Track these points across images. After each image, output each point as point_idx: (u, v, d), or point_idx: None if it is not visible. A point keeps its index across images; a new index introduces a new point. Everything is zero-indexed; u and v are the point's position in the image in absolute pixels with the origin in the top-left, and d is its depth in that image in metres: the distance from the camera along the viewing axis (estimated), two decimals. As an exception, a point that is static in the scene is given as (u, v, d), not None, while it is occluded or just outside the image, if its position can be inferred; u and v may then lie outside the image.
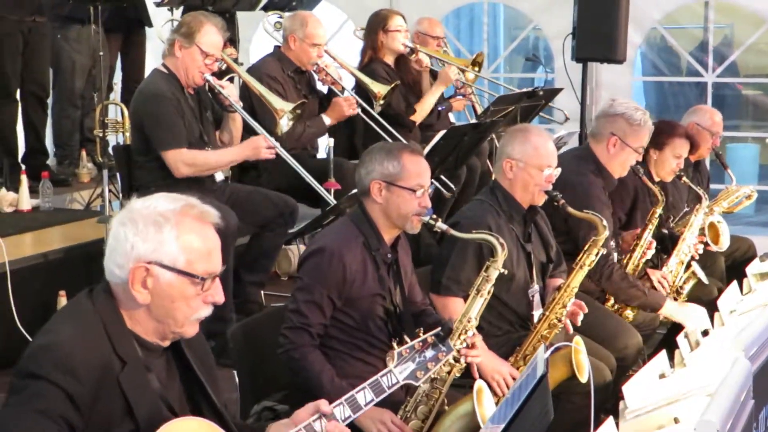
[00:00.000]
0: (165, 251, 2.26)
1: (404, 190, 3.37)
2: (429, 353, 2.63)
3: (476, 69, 6.33)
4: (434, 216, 3.44)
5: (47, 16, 6.23)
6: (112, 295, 2.31)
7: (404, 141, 5.55)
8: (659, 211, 4.67)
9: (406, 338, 2.73)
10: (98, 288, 2.34)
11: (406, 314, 3.46)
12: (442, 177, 5.36)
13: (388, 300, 3.41)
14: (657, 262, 5.08)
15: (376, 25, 6.12)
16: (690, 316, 4.45)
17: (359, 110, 5.63)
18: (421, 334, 2.67)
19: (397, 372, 2.58)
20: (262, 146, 4.74)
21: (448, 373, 3.25)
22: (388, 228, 3.44)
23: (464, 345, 3.30)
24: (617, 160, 4.55)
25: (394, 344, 2.68)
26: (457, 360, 3.26)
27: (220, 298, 2.35)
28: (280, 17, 6.00)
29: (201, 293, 2.31)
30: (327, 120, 5.61)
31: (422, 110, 6.07)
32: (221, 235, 4.52)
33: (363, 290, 3.35)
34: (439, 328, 2.67)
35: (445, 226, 3.43)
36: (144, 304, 2.28)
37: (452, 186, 5.47)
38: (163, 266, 2.26)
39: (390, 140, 5.50)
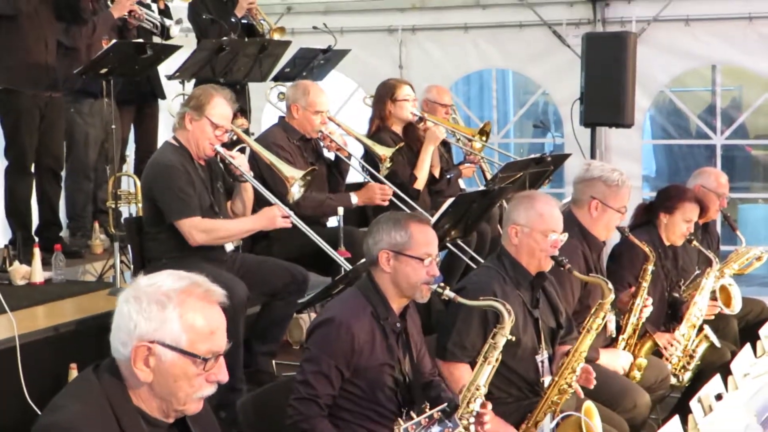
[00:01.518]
0: (167, 330, 2.26)
1: (412, 259, 3.40)
2: (435, 429, 2.61)
3: (484, 138, 6.37)
4: (442, 284, 3.44)
5: (62, 90, 6.32)
6: (118, 371, 2.31)
7: (414, 205, 5.58)
8: (651, 267, 4.67)
9: (413, 414, 2.72)
10: (104, 365, 2.34)
11: (416, 383, 3.45)
12: (458, 242, 5.37)
13: (397, 369, 3.41)
14: (669, 327, 5.06)
15: (385, 95, 6.20)
16: (616, 359, 4.46)
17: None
18: (427, 410, 2.66)
19: None
20: (278, 215, 4.77)
21: None
22: (396, 297, 3.45)
23: (473, 414, 3.25)
24: (601, 222, 4.58)
25: (400, 420, 2.66)
26: (466, 429, 3.23)
27: (223, 377, 2.34)
28: (283, 88, 6.08)
29: (203, 373, 2.30)
30: (354, 199, 5.67)
31: (421, 175, 6.10)
32: (230, 306, 4.52)
33: (371, 360, 3.35)
34: (446, 404, 2.66)
35: (452, 294, 3.43)
36: (146, 382, 2.28)
37: (469, 250, 5.48)
38: (165, 345, 2.26)
39: (400, 204, 5.54)
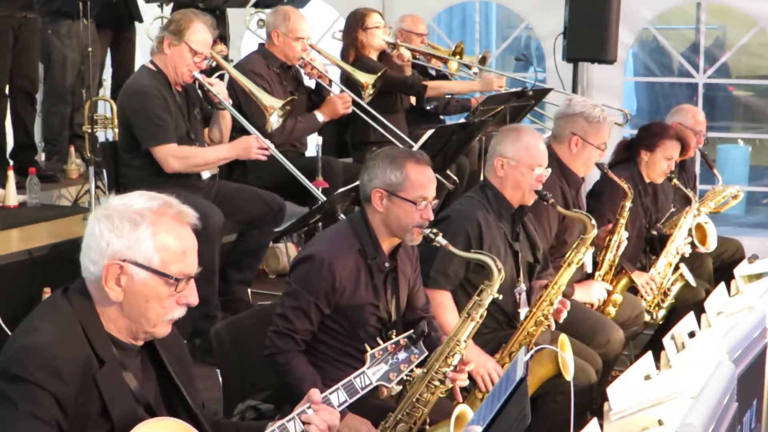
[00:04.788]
0: (140, 250, 2.24)
1: (405, 201, 3.28)
2: (402, 355, 2.62)
3: (458, 58, 6.35)
4: (435, 230, 3.33)
5: (38, 11, 6.20)
6: (88, 293, 2.29)
7: (395, 130, 5.53)
8: (629, 204, 4.67)
9: (379, 340, 2.71)
10: (73, 287, 2.32)
11: (399, 323, 3.42)
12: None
13: (381, 308, 3.36)
14: (645, 263, 5.08)
15: (355, 24, 6.15)
16: (590, 291, 4.50)
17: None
18: (393, 337, 2.65)
19: (370, 373, 2.57)
20: (254, 146, 4.71)
21: (432, 393, 3.18)
22: (387, 237, 3.36)
23: (451, 368, 3.19)
24: (580, 159, 4.56)
25: (368, 346, 2.65)
26: (442, 382, 3.19)
27: (194, 299, 2.32)
28: (263, 15, 5.99)
29: (175, 294, 2.28)
30: (320, 117, 5.61)
31: (442, 87, 6.11)
32: (206, 233, 4.51)
33: (354, 299, 3.30)
34: (412, 331, 2.66)
35: (444, 241, 3.31)
36: (116, 301, 2.26)
37: (455, 178, 5.46)
38: (137, 265, 2.24)
39: (381, 130, 5.50)
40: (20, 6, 5.99)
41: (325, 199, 4.53)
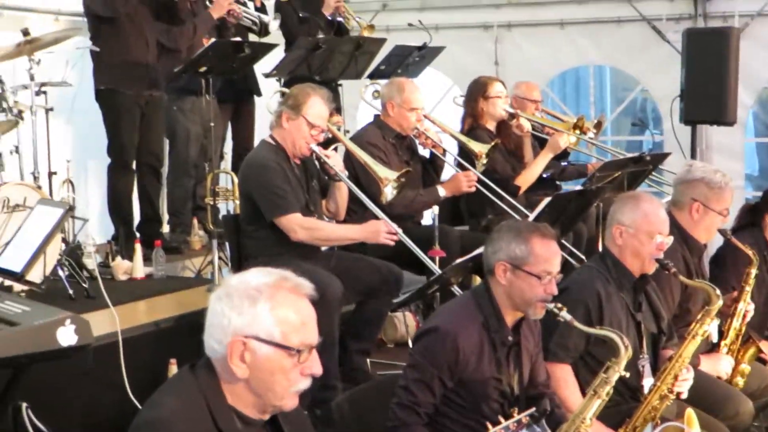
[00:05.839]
0: (260, 325, 2.29)
1: (530, 275, 3.29)
2: None
3: (577, 132, 6.30)
4: (559, 305, 3.31)
5: (163, 89, 6.44)
6: (213, 370, 2.35)
7: (510, 200, 5.51)
8: (754, 271, 4.53)
9: (501, 418, 2.69)
10: (200, 363, 2.38)
11: (522, 398, 3.39)
12: (567, 245, 5.29)
13: (504, 382, 3.34)
14: (775, 333, 4.92)
15: (477, 92, 6.17)
16: (717, 364, 4.38)
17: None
18: (515, 415, 2.63)
19: None
20: (383, 231, 4.73)
21: None
22: (510, 309, 3.36)
23: None
24: (702, 225, 4.46)
25: (489, 424, 2.63)
26: None
27: (317, 369, 2.35)
28: (378, 86, 6.08)
29: (298, 365, 2.32)
30: (442, 192, 5.65)
31: (529, 177, 6.05)
32: (325, 303, 4.56)
33: (477, 373, 3.29)
34: (534, 409, 2.63)
35: (569, 317, 3.29)
36: (243, 378, 2.31)
37: (582, 255, 5.38)
38: (259, 340, 2.29)
39: (497, 200, 5.49)
40: (147, 85, 6.23)
41: (440, 271, 4.54)
